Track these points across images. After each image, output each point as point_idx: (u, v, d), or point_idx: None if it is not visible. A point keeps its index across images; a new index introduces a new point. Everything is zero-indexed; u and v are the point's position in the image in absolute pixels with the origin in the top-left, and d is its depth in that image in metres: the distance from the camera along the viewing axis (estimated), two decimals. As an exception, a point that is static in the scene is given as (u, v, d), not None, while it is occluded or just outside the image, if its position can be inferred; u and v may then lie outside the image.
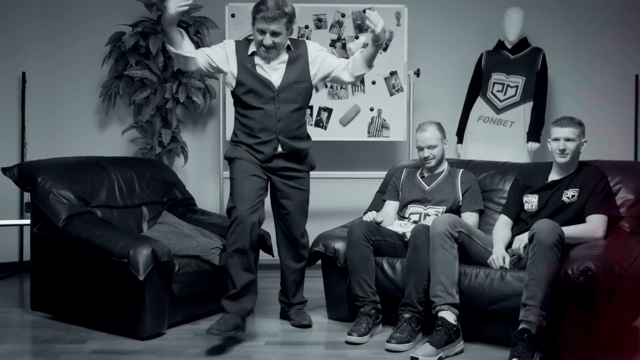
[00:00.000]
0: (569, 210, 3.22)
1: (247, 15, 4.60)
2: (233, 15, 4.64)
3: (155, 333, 3.30)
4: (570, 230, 3.07)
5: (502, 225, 3.38)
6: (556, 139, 3.26)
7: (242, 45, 3.34)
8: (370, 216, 3.51)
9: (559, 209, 3.23)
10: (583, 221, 3.19)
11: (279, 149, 3.29)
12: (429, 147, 3.59)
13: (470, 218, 3.53)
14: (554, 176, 3.34)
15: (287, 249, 3.53)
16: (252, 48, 3.29)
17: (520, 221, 3.36)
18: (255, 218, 3.16)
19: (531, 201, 3.33)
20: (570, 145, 3.24)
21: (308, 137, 3.46)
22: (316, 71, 3.35)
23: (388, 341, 3.12)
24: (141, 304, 3.24)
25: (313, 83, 3.38)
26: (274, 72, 3.28)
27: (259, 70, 3.27)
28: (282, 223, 3.47)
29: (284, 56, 3.30)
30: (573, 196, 3.23)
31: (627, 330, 3.45)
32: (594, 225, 3.17)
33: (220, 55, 3.29)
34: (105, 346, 3.17)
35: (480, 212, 3.62)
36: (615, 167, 3.54)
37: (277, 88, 3.25)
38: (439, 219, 3.24)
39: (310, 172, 3.52)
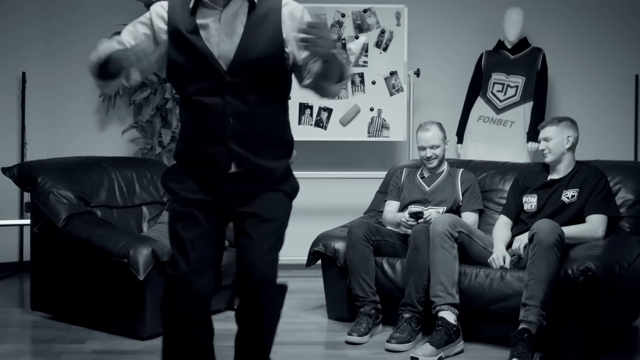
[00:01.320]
0: (568, 211, 3.22)
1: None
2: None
3: (155, 333, 3.28)
4: (570, 230, 3.07)
5: (502, 225, 3.38)
6: (539, 141, 3.36)
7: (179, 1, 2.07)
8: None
9: (559, 209, 3.24)
10: (583, 221, 3.19)
11: (232, 167, 2.06)
12: (432, 147, 3.59)
13: (470, 217, 3.53)
14: (553, 176, 3.35)
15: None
16: None
17: (520, 222, 3.36)
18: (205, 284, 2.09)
19: (530, 201, 3.34)
20: (549, 144, 3.27)
21: (287, 148, 2.18)
22: (292, 44, 2.04)
23: (388, 341, 3.12)
24: (141, 304, 3.23)
25: (288, 62, 2.06)
26: (226, 39, 2.01)
27: (201, 36, 2.01)
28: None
29: (242, 5, 2.03)
30: (573, 196, 3.23)
31: (627, 330, 3.45)
32: (594, 225, 3.17)
33: (142, 33, 2.11)
34: (105, 346, 3.17)
35: (480, 212, 3.62)
36: (615, 167, 3.54)
37: (225, 68, 2.01)
38: (439, 218, 3.24)
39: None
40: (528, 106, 4.64)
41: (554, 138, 3.27)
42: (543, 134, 3.31)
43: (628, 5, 5.09)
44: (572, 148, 3.30)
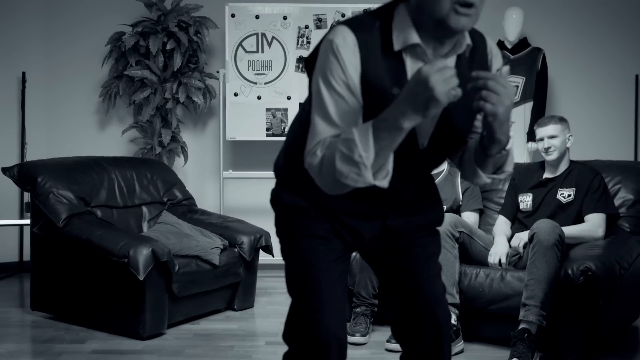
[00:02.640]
0: (567, 212, 3.22)
1: (247, 15, 4.63)
2: (233, 15, 4.63)
3: (155, 333, 3.30)
4: (570, 230, 3.08)
5: (502, 224, 3.38)
6: (540, 139, 3.31)
7: (370, 38, 1.47)
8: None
9: (556, 209, 3.24)
10: (582, 221, 3.19)
11: None
12: None
13: (470, 217, 3.53)
14: (547, 175, 3.36)
15: None
16: (402, 39, 1.47)
17: (517, 221, 3.37)
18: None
19: (526, 200, 3.35)
20: (555, 142, 3.26)
21: None
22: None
23: (388, 341, 3.12)
24: (141, 304, 3.23)
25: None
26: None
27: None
28: None
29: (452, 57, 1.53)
30: (570, 195, 3.23)
31: (627, 330, 3.45)
32: (594, 224, 3.17)
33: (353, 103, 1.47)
34: (105, 346, 3.17)
35: (481, 212, 3.62)
36: (615, 167, 3.55)
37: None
38: None
39: None
40: (528, 106, 4.64)
41: (559, 136, 3.27)
42: (546, 131, 3.28)
43: (628, 5, 5.09)
44: (568, 149, 3.34)
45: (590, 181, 3.22)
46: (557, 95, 5.08)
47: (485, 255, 3.21)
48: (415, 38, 1.46)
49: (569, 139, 3.30)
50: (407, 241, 1.72)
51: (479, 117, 1.57)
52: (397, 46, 1.47)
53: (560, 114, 5.08)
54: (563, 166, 3.33)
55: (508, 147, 1.53)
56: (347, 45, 1.43)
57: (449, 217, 3.20)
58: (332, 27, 1.51)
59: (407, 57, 1.48)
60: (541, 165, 3.43)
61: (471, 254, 3.23)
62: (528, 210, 3.33)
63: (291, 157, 1.65)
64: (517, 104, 4.64)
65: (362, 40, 1.45)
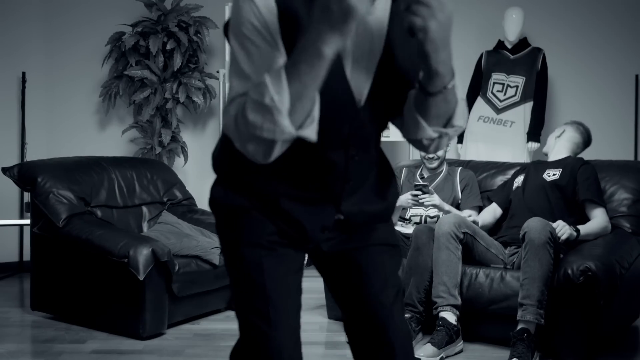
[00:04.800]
0: (551, 191, 3.31)
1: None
2: (233, 15, 4.62)
3: (155, 333, 3.30)
4: (589, 229, 3.17)
5: (486, 210, 3.56)
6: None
7: None
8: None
9: (540, 186, 3.34)
10: (567, 201, 3.28)
11: None
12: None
13: (469, 214, 3.53)
14: (547, 160, 3.55)
15: None
16: None
17: (511, 203, 3.49)
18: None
19: (519, 180, 3.47)
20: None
21: None
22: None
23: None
24: (141, 303, 3.23)
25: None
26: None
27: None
28: None
29: None
30: (555, 174, 3.33)
31: (627, 330, 3.45)
32: (605, 220, 3.25)
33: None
34: (105, 346, 3.17)
35: (480, 209, 3.62)
36: (615, 167, 3.56)
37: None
38: (444, 218, 3.23)
39: None
40: (528, 106, 4.64)
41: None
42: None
43: (627, 5, 5.09)
44: (562, 139, 3.52)
45: (580, 166, 3.33)
46: (557, 96, 5.08)
47: (487, 257, 3.21)
48: None
49: (562, 133, 3.55)
50: (363, 253, 1.46)
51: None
52: None
53: (560, 114, 5.10)
54: (560, 155, 3.47)
55: (450, 85, 1.26)
56: None
57: (452, 218, 3.20)
58: None
59: None
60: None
61: (474, 254, 3.22)
62: (519, 187, 3.44)
63: (225, 141, 1.39)
64: (517, 104, 4.66)
65: None
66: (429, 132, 1.32)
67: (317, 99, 1.19)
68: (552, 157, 3.50)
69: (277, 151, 1.20)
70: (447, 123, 1.32)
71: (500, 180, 3.77)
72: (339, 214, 1.42)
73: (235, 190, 1.43)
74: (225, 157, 1.45)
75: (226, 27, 1.31)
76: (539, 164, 3.54)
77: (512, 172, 3.71)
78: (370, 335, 1.43)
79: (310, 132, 1.20)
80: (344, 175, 1.38)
